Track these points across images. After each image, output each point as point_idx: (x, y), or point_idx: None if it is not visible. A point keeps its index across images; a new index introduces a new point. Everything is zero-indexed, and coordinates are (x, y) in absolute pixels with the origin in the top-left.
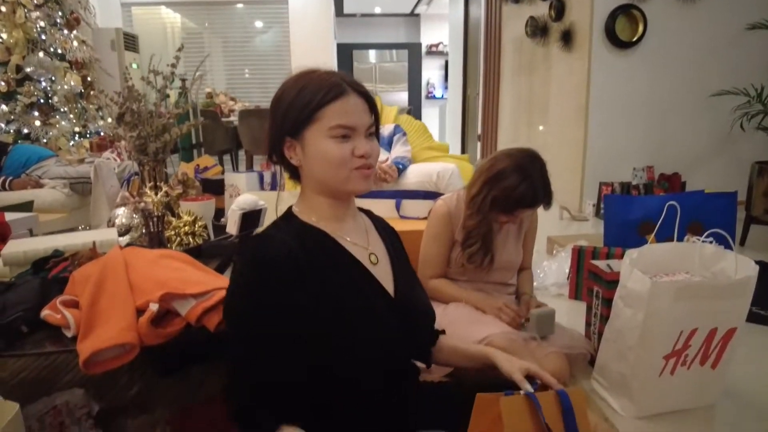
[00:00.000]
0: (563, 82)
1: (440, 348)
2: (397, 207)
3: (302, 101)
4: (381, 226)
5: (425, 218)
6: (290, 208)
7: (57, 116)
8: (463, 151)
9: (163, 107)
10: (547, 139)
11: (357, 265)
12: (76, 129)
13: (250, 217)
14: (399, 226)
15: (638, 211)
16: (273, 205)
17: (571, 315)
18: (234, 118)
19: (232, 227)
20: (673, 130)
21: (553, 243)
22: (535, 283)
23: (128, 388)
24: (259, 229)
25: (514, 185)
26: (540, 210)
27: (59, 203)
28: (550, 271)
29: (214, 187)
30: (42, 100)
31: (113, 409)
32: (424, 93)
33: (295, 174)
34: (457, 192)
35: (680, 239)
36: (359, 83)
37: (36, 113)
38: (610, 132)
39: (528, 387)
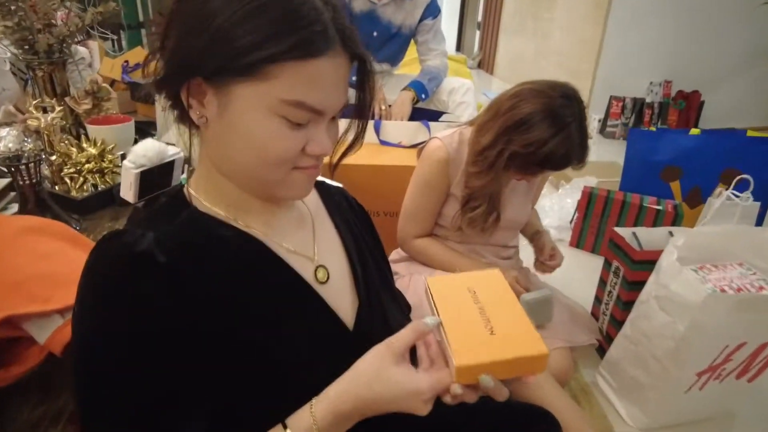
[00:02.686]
0: None
1: None
2: (377, 129)
3: (249, 33)
4: (334, 204)
5: (412, 147)
6: (182, 187)
7: None
8: (459, 40)
9: None
10: (556, 36)
11: (297, 285)
12: None
13: (156, 175)
14: (379, 158)
15: (665, 152)
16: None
17: (571, 267)
18: None
19: (127, 191)
20: (703, 40)
21: (559, 176)
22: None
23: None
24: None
25: (543, 139)
26: None
27: None
28: (552, 212)
29: (146, 94)
30: None
31: (4, 396)
32: None
33: (189, 122)
34: (459, 129)
35: (710, 189)
36: (355, 34)
37: None
38: (630, 36)
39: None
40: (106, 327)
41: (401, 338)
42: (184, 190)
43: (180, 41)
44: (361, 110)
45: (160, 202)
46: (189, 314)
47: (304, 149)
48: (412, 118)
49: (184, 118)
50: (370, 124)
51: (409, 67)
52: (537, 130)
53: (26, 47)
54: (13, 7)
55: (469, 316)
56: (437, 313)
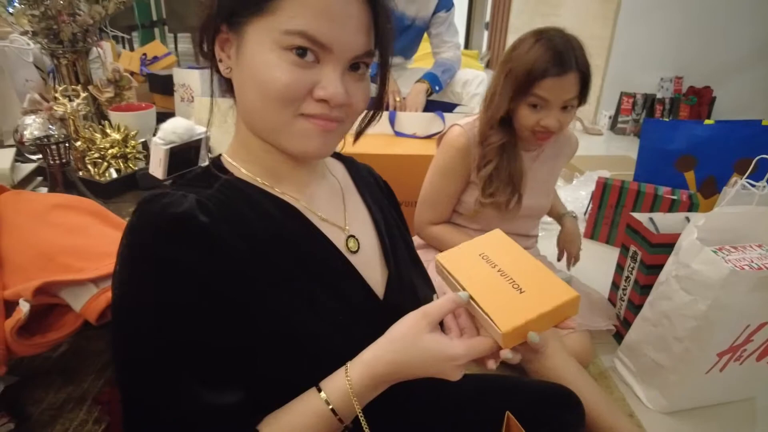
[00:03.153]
0: None
1: None
2: (391, 120)
3: None
4: (363, 179)
5: (427, 137)
6: (219, 156)
7: None
8: (467, 40)
9: None
10: None
11: (330, 253)
12: None
13: (183, 153)
14: (394, 148)
15: (680, 141)
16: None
17: (586, 259)
18: None
19: (157, 168)
20: (713, 35)
21: (572, 168)
22: (548, 219)
23: (53, 347)
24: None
25: (528, 47)
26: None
27: None
28: (566, 204)
29: (164, 86)
30: None
31: (28, 380)
32: None
33: (228, 87)
34: (478, 116)
35: (724, 178)
36: None
37: None
38: (640, 32)
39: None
40: (146, 289)
41: (437, 307)
42: (221, 158)
43: None
44: (384, 44)
45: (197, 170)
46: (228, 277)
47: (310, 91)
48: (426, 110)
49: (223, 86)
50: (385, 114)
51: (423, 62)
52: (523, 45)
53: (51, 36)
54: None
55: (493, 281)
56: (461, 286)
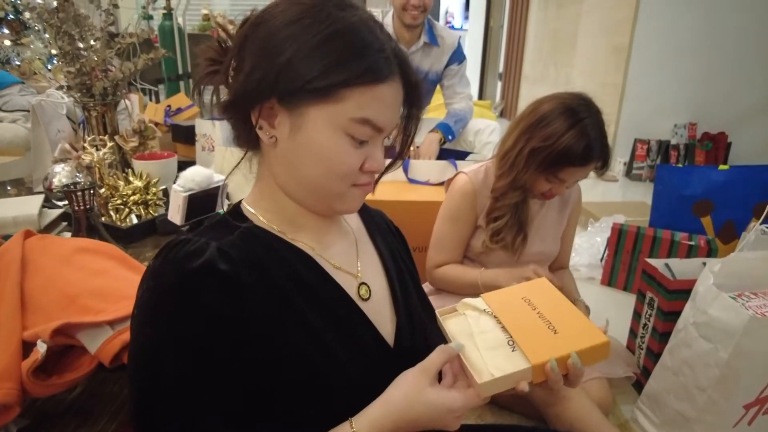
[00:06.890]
0: (604, 16)
1: None
2: (405, 168)
3: (326, 59)
4: (375, 225)
5: (440, 184)
6: (239, 204)
7: (31, 35)
8: (481, 90)
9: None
10: (577, 82)
11: (343, 301)
12: (53, 51)
13: (201, 200)
14: (407, 195)
15: (696, 186)
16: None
17: (603, 306)
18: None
19: (175, 214)
20: (725, 81)
21: (587, 214)
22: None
23: (68, 390)
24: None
25: (560, 131)
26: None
27: (22, 141)
28: (581, 250)
29: (186, 135)
30: (11, 16)
31: (42, 423)
32: (441, 23)
33: (251, 143)
34: (485, 164)
35: (744, 223)
36: (409, 63)
37: (5, 30)
38: (652, 80)
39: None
40: (166, 333)
41: (433, 362)
42: (241, 205)
43: (255, 65)
44: (407, 126)
45: (218, 217)
46: (247, 321)
47: (362, 166)
48: (439, 158)
49: (242, 141)
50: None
51: (436, 112)
52: (554, 124)
53: (84, 90)
54: (77, 55)
55: (531, 320)
56: (501, 323)
